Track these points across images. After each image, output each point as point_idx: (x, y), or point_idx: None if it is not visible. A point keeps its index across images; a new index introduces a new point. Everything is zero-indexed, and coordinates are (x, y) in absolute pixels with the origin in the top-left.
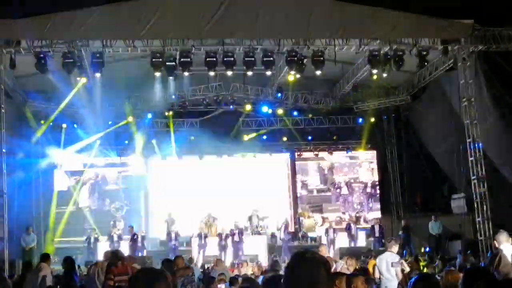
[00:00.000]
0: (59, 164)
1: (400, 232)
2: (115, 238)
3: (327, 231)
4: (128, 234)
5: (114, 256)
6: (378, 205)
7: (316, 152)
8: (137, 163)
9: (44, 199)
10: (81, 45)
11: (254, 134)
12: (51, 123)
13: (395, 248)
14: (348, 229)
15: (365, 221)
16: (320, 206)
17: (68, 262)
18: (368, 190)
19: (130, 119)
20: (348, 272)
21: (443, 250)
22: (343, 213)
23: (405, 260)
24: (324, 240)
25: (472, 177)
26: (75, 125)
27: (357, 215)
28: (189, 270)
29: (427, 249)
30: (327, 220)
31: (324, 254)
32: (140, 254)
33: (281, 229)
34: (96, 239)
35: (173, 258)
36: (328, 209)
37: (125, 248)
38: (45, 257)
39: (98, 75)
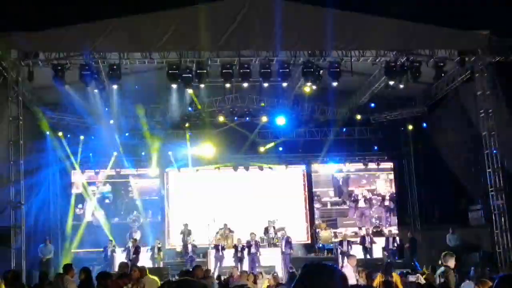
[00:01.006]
0: (76, 175)
1: (407, 245)
2: (132, 250)
3: (341, 243)
4: (144, 245)
5: (103, 275)
6: (396, 219)
7: (333, 164)
8: (153, 174)
9: (61, 210)
10: (98, 57)
11: (270, 145)
12: (68, 135)
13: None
14: (362, 242)
15: (382, 234)
16: (335, 220)
17: (85, 273)
18: (387, 203)
19: (147, 130)
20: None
21: (460, 263)
22: (360, 228)
23: (422, 274)
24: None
25: (490, 189)
26: (92, 137)
27: (375, 230)
28: (211, 279)
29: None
30: (340, 236)
31: (353, 265)
32: (156, 266)
33: (282, 243)
34: (113, 250)
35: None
36: (343, 223)
37: (143, 260)
38: (68, 269)
39: (115, 87)
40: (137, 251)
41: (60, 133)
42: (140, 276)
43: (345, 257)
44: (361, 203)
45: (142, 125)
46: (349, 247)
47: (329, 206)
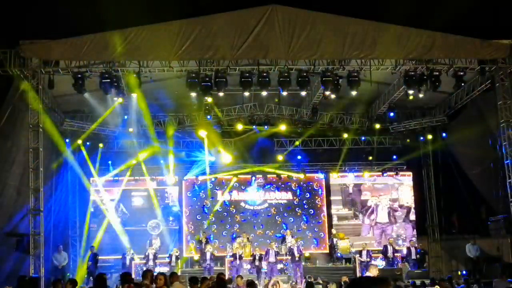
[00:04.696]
0: (95, 183)
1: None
2: (151, 257)
3: (360, 253)
4: (163, 252)
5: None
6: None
7: (351, 173)
8: (172, 182)
9: (79, 218)
10: (118, 66)
11: (288, 154)
12: (87, 143)
13: None
14: (384, 251)
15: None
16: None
17: (99, 280)
18: (413, 217)
19: (166, 138)
20: None
21: (480, 274)
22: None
23: (440, 285)
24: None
25: (511, 199)
26: (111, 145)
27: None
28: None
29: (464, 272)
30: (359, 245)
31: (374, 275)
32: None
33: (294, 252)
34: (132, 258)
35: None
36: (354, 244)
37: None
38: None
39: (134, 95)
40: (94, 258)
41: (79, 141)
42: (165, 284)
43: (366, 267)
44: (382, 218)
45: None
46: (369, 257)
47: (335, 221)
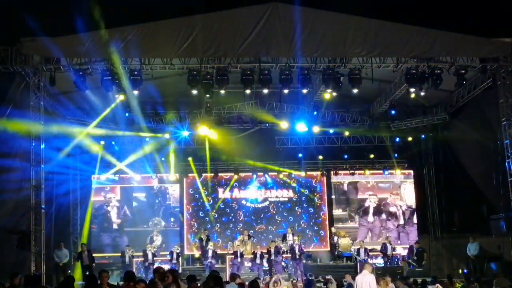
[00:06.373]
0: (96, 180)
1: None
2: (149, 256)
3: (358, 251)
4: (164, 250)
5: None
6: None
7: (352, 171)
8: (173, 179)
9: (81, 214)
10: (119, 63)
11: (289, 152)
12: (89, 139)
13: None
14: (383, 249)
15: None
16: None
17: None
18: (416, 219)
19: (167, 135)
20: None
21: (481, 272)
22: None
23: (441, 283)
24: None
25: None
26: (113, 142)
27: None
28: None
29: (465, 271)
30: (357, 243)
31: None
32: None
33: (295, 250)
34: (131, 256)
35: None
36: (355, 242)
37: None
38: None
39: (136, 92)
40: (80, 256)
41: (80, 138)
42: (174, 282)
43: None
44: (384, 221)
45: (163, 130)
46: (367, 255)
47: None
